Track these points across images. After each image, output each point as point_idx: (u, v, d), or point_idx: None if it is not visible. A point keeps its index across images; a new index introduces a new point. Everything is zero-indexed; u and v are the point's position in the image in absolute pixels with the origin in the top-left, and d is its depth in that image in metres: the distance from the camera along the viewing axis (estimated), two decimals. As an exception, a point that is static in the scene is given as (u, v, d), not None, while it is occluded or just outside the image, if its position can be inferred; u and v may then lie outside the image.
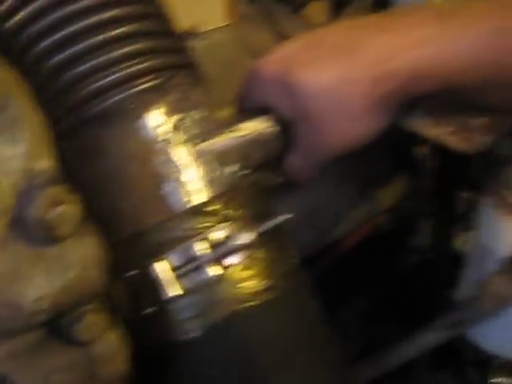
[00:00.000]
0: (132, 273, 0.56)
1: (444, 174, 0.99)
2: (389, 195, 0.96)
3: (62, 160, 0.52)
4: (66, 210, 0.43)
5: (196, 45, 0.89)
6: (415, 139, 1.00)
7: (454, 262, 1.06)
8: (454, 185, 1.01)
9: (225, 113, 0.70)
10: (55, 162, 0.47)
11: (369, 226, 1.12)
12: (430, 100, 0.66)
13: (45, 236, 0.43)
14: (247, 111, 0.66)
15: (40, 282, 0.45)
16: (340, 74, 0.62)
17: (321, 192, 0.88)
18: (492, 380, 1.26)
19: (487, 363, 1.25)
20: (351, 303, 1.19)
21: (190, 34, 0.89)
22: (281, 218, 0.59)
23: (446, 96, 0.63)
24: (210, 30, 0.97)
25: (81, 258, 0.46)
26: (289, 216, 0.59)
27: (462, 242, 1.14)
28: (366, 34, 0.63)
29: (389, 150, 0.95)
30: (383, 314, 1.21)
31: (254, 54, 0.97)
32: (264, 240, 0.59)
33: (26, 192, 0.45)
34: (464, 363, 1.25)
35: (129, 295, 0.57)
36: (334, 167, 0.88)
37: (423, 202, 1.10)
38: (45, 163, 0.46)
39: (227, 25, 1.01)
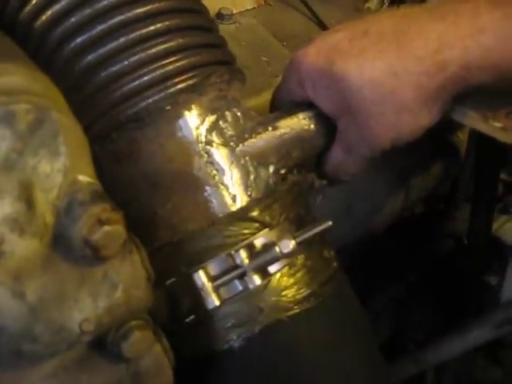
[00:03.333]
0: (172, 281, 0.55)
1: (483, 159, 0.95)
2: (427, 183, 0.94)
3: (95, 164, 0.50)
4: (112, 230, 0.42)
5: (224, 28, 0.86)
6: (453, 125, 0.98)
7: (492, 248, 1.04)
8: (494, 170, 0.98)
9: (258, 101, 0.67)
10: (96, 178, 0.45)
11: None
12: (480, 91, 0.63)
13: (90, 256, 0.42)
14: (286, 107, 0.63)
15: (86, 304, 0.43)
16: (387, 65, 0.59)
17: (358, 182, 0.85)
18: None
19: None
20: (384, 289, 1.17)
21: (219, 17, 0.87)
22: (321, 227, 0.57)
23: (499, 86, 0.60)
24: (239, 13, 0.94)
25: (126, 277, 0.44)
26: (329, 224, 0.57)
27: (500, 227, 1.11)
28: (414, 23, 0.60)
29: (427, 137, 0.92)
30: (417, 300, 1.19)
31: (283, 38, 0.94)
32: (304, 247, 0.57)
33: (67, 209, 0.43)
34: (496, 344, 1.23)
35: (168, 304, 0.56)
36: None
37: (462, 187, 1.08)
38: (86, 179, 0.44)
39: (256, 7, 0.98)
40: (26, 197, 0.42)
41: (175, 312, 0.55)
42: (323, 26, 0.96)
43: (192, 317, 0.55)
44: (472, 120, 0.63)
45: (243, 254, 0.54)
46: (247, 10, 0.97)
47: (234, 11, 0.92)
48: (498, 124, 0.61)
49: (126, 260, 0.44)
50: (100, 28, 0.54)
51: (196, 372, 0.57)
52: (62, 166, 0.43)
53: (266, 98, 0.71)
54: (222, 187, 0.56)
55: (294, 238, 0.55)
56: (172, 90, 0.56)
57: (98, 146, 0.56)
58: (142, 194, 0.56)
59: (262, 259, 0.54)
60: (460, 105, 0.63)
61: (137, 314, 0.46)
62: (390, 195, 0.89)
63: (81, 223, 0.41)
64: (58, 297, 0.42)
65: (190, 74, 0.56)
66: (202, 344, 0.56)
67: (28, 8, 0.54)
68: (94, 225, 0.41)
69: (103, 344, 0.47)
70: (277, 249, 0.54)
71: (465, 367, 1.28)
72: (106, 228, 0.41)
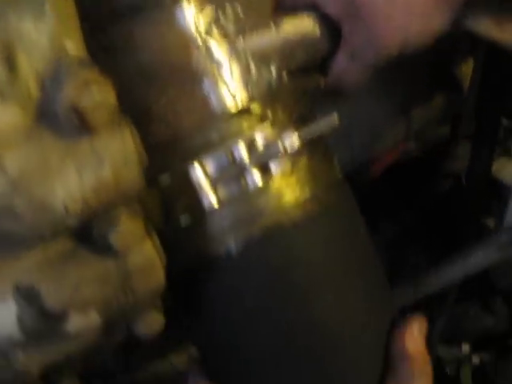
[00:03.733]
0: (166, 176, 0.51)
1: (486, 95, 0.92)
2: (429, 114, 0.90)
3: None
4: (101, 93, 0.37)
5: None
6: (457, 56, 0.94)
7: (491, 189, 1.02)
8: (496, 108, 0.95)
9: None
10: (83, 42, 0.41)
11: (400, 149, 1.07)
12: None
13: (76, 125, 0.38)
14: (290, 8, 0.59)
15: (71, 179, 0.39)
16: None
17: (357, 108, 0.82)
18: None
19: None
20: (380, 230, 1.15)
21: None
22: (327, 122, 0.53)
23: None
24: None
25: (116, 153, 0.40)
26: (334, 118, 0.53)
27: (500, 168, 1.09)
28: None
29: (428, 67, 0.89)
30: (413, 241, 1.17)
31: None
32: (308, 147, 0.54)
33: (52, 76, 0.39)
34: (491, 294, 1.22)
35: (162, 204, 0.52)
36: (372, 82, 0.82)
37: (462, 125, 1.05)
38: (73, 45, 0.40)
39: None
40: (9, 60, 0.38)
41: (170, 212, 0.52)
42: None
43: (187, 217, 0.51)
44: (485, 27, 0.59)
45: (243, 149, 0.50)
46: None
47: None
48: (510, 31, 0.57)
49: (116, 135, 0.40)
50: None
51: (191, 278, 0.53)
52: (47, 29, 0.39)
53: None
54: (221, 82, 0.52)
55: (298, 133, 0.51)
56: None
57: (90, 39, 0.52)
58: (136, 88, 0.52)
59: (263, 155, 0.50)
60: (472, 11, 0.59)
61: (126, 198, 0.42)
62: (390, 124, 0.85)
63: (67, 88, 0.37)
64: (41, 170, 0.39)
65: None
66: (198, 247, 0.52)
67: None
68: (81, 88, 0.37)
69: (90, 236, 0.43)
70: (280, 144, 0.50)
71: (456, 316, 1.27)
72: (95, 91, 0.37)
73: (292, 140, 0.51)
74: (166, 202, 0.52)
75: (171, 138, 0.52)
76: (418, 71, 0.88)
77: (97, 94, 0.37)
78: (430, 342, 1.08)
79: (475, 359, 1.31)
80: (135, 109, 0.52)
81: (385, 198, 1.16)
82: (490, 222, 1.05)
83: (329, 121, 0.53)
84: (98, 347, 0.51)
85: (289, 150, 0.50)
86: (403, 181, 1.16)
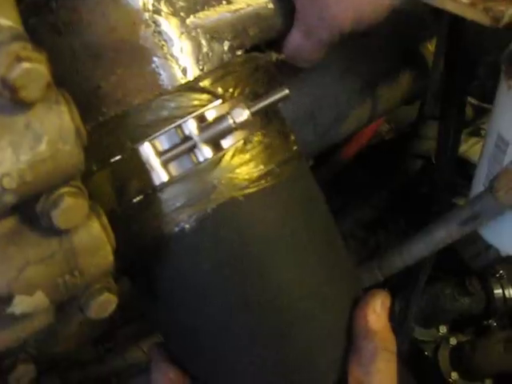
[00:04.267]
0: (117, 158, 0.50)
1: (451, 75, 0.92)
2: (394, 94, 0.90)
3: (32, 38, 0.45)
4: (32, 67, 0.37)
5: None
6: (422, 34, 0.94)
7: (461, 169, 1.02)
8: (461, 87, 0.94)
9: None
10: (18, 18, 0.40)
11: (372, 132, 1.07)
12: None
13: (9, 99, 0.37)
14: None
15: (6, 156, 0.38)
16: None
17: (322, 87, 0.81)
18: (495, 291, 1.24)
19: (488, 275, 1.23)
20: (353, 213, 1.14)
21: None
22: (277, 95, 0.52)
23: None
24: None
25: (52, 128, 0.39)
26: (285, 92, 0.53)
27: (469, 149, 1.09)
28: None
29: (395, 45, 0.88)
30: (386, 223, 1.17)
31: None
32: (261, 122, 0.53)
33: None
34: (465, 274, 1.22)
35: (114, 184, 0.51)
36: (335, 61, 0.82)
37: (430, 105, 1.04)
38: (6, 22, 0.39)
39: None
40: None
41: (122, 192, 0.51)
42: None
43: (140, 196, 0.50)
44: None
45: (192, 124, 0.50)
46: None
47: None
48: (466, 0, 0.57)
49: (52, 110, 0.39)
50: None
51: (146, 258, 0.53)
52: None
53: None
54: (171, 59, 0.51)
55: (248, 107, 0.50)
56: None
57: (35, 18, 0.51)
58: (84, 67, 0.51)
59: (213, 130, 0.50)
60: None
61: (66, 175, 0.41)
62: (355, 103, 0.85)
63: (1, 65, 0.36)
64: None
65: None
66: (152, 226, 0.51)
67: None
68: (12, 62, 0.36)
69: (34, 216, 0.42)
70: (229, 119, 0.50)
71: (432, 297, 1.27)
72: (26, 65, 0.36)
73: (242, 112, 0.50)
74: (118, 182, 0.51)
75: (121, 116, 0.51)
76: (383, 50, 0.87)
77: (28, 69, 0.36)
78: (406, 323, 1.08)
79: (452, 340, 1.32)
80: (84, 88, 0.51)
81: (357, 179, 1.16)
82: (461, 201, 1.05)
83: (279, 94, 0.52)
84: (51, 330, 0.50)
85: (239, 123, 0.50)
86: (375, 162, 1.16)
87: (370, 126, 1.07)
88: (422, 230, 0.71)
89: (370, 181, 1.13)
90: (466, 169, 1.07)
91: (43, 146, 0.39)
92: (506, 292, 1.28)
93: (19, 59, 0.36)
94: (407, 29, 0.87)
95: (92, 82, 0.51)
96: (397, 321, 1.12)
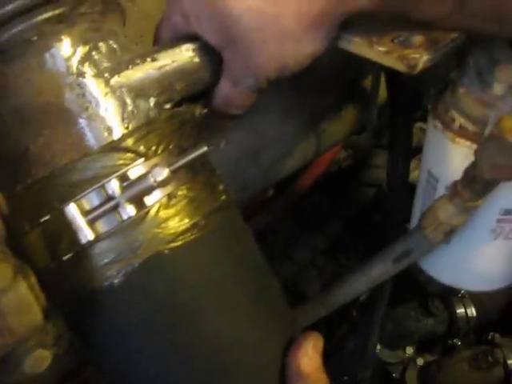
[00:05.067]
0: (46, 218, 0.52)
1: (397, 105, 0.94)
2: (339, 128, 0.92)
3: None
4: None
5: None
6: (364, 70, 0.96)
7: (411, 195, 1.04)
8: (409, 116, 0.97)
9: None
10: None
11: (328, 161, 1.09)
12: (365, 19, 0.61)
13: None
14: (171, 40, 0.61)
15: None
16: None
17: (265, 127, 0.84)
18: (457, 310, 1.27)
19: (450, 295, 1.25)
20: (310, 241, 1.17)
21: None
22: (195, 153, 0.54)
23: (382, 12, 0.59)
24: None
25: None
26: (204, 149, 0.55)
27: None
28: None
29: (336, 80, 0.91)
30: (343, 250, 1.19)
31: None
32: (186, 176, 0.55)
33: None
34: (427, 295, 1.24)
35: (46, 242, 0.53)
36: (275, 100, 0.84)
37: (375, 135, 1.07)
38: None
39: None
40: None
41: (53, 251, 0.53)
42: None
43: (69, 254, 0.53)
44: (357, 46, 0.61)
45: (115, 184, 0.52)
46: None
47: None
48: (382, 48, 0.60)
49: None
50: None
51: (79, 312, 0.55)
52: None
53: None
54: (96, 119, 0.54)
55: (169, 166, 0.53)
56: (37, 19, 0.53)
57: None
58: (12, 130, 0.54)
59: (135, 189, 0.52)
60: (345, 32, 0.62)
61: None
62: (299, 140, 0.87)
63: None
64: None
65: (56, 4, 0.53)
66: (82, 282, 0.53)
67: None
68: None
69: None
70: (150, 178, 0.52)
71: (397, 318, 1.29)
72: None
73: (162, 171, 0.52)
74: (49, 240, 0.53)
75: (49, 177, 0.53)
76: (326, 85, 0.90)
77: None
78: (367, 348, 1.10)
79: (419, 361, 1.34)
80: (14, 151, 0.53)
81: (314, 207, 1.18)
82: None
83: (198, 151, 0.55)
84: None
85: (159, 181, 0.52)
86: (332, 190, 1.18)
87: (326, 155, 1.10)
88: (359, 268, 0.73)
89: (326, 208, 1.15)
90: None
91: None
92: (469, 311, 1.30)
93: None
94: (349, 64, 0.90)
95: (21, 144, 0.53)
96: (361, 345, 1.15)
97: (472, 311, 1.29)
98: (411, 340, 1.33)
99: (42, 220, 0.53)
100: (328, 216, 1.16)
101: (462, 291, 1.28)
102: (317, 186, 1.14)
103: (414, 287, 1.27)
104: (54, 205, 0.52)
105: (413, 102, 0.95)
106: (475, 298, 1.30)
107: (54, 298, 0.51)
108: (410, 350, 1.35)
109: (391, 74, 0.90)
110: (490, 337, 1.29)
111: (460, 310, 1.29)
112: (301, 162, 0.90)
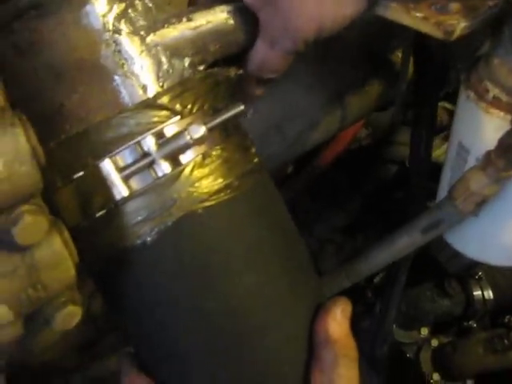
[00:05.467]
0: (79, 174, 0.52)
1: (423, 81, 0.94)
2: (364, 102, 0.92)
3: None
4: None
5: None
6: (392, 43, 0.95)
7: (435, 173, 1.03)
8: (434, 93, 0.96)
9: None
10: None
11: (350, 137, 1.09)
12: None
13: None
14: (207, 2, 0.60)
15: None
16: None
17: (290, 99, 0.83)
18: (474, 292, 1.26)
19: (468, 276, 1.25)
20: (329, 218, 1.16)
21: None
22: (232, 111, 0.54)
23: None
24: None
25: (8, 150, 0.41)
26: (241, 108, 0.55)
27: (442, 152, 1.10)
28: None
29: (363, 54, 0.90)
30: (362, 228, 1.19)
31: None
32: (220, 137, 0.55)
33: None
34: (444, 276, 1.24)
35: (78, 199, 0.53)
36: (303, 71, 0.84)
37: (402, 111, 1.06)
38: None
39: None
40: None
41: (86, 208, 0.52)
42: None
43: (103, 211, 0.52)
44: (394, 12, 0.61)
45: (151, 141, 0.52)
46: None
47: None
48: (419, 14, 0.59)
49: (7, 132, 0.41)
50: None
51: (110, 270, 0.54)
52: None
53: None
54: (131, 76, 0.53)
55: (205, 123, 0.52)
56: None
57: (-1, 36, 0.53)
58: (46, 86, 0.53)
59: (171, 146, 0.52)
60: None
61: (26, 195, 0.43)
62: (324, 113, 0.86)
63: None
64: None
65: None
66: (114, 240, 0.53)
67: None
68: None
69: None
70: (187, 135, 0.51)
71: (413, 300, 1.29)
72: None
73: (199, 129, 0.51)
74: (82, 197, 0.53)
75: (83, 133, 0.52)
76: (352, 59, 0.89)
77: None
78: (384, 325, 1.10)
79: (434, 342, 1.34)
80: (48, 107, 0.53)
81: (334, 185, 1.17)
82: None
83: (234, 110, 0.54)
84: (19, 341, 0.51)
85: (196, 139, 0.51)
86: (352, 167, 1.18)
87: (348, 132, 1.10)
88: (385, 238, 0.72)
89: (346, 186, 1.15)
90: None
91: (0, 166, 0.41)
92: (486, 293, 1.30)
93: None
94: (375, 38, 0.89)
95: (55, 100, 0.53)
96: (376, 323, 1.14)
97: (489, 293, 1.28)
98: (426, 321, 1.33)
99: (76, 176, 0.52)
100: (348, 193, 1.16)
101: (480, 273, 1.28)
102: (337, 164, 1.14)
103: (431, 268, 1.26)
104: (88, 161, 0.52)
105: (439, 78, 0.94)
106: (492, 280, 1.29)
107: (84, 256, 0.51)
108: (424, 331, 1.34)
109: (419, 49, 0.89)
110: (506, 320, 1.29)
111: (477, 292, 1.29)
112: (324, 135, 0.90)
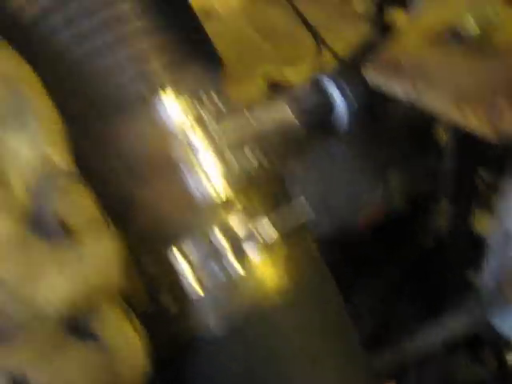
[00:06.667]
0: (150, 264, 0.55)
1: (464, 154, 0.96)
2: (407, 176, 0.94)
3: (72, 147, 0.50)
4: (87, 211, 0.41)
5: (209, 23, 0.86)
6: (434, 119, 0.98)
7: (473, 245, 1.04)
8: (475, 165, 0.98)
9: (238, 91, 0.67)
10: (67, 151, 0.45)
11: (385, 208, 1.10)
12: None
13: (59, 229, 0.42)
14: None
15: (55, 280, 0.43)
16: None
17: (336, 175, 0.85)
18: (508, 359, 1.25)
19: (502, 343, 1.24)
20: (366, 286, 1.17)
21: (204, 13, 0.87)
22: (303, 217, 0.57)
23: None
24: (222, 8, 0.95)
25: (97, 255, 0.44)
26: (310, 214, 0.57)
27: (480, 224, 1.11)
28: None
29: (407, 131, 0.93)
30: (399, 298, 1.19)
31: (265, 33, 0.95)
32: (285, 236, 0.57)
33: (40, 186, 0.43)
34: (479, 344, 1.23)
35: (147, 287, 0.55)
36: (350, 149, 0.86)
37: (442, 182, 1.08)
38: (57, 151, 0.44)
39: (240, 3, 0.99)
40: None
41: (154, 295, 0.55)
42: (306, 24, 0.96)
43: (172, 302, 0.55)
44: (442, 106, 0.62)
45: (221, 237, 0.54)
46: (231, 5, 0.98)
47: (218, 7, 0.93)
48: (470, 112, 0.60)
49: (99, 238, 0.44)
50: (88, 23, 0.54)
51: (176, 359, 0.56)
52: (30, 139, 0.43)
53: (246, 87, 0.71)
54: (198, 170, 0.56)
55: (274, 225, 0.55)
56: (155, 80, 0.56)
57: (74, 128, 0.56)
58: (121, 177, 0.56)
59: (240, 243, 0.54)
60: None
61: (109, 294, 0.46)
62: (368, 188, 0.89)
63: (54, 202, 0.41)
64: (28, 272, 0.42)
65: (173, 67, 0.57)
66: (182, 329, 0.55)
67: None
68: (70, 206, 0.41)
69: (75, 324, 0.47)
70: (256, 233, 0.54)
71: (446, 366, 1.28)
72: (82, 210, 0.41)
73: (267, 229, 0.54)
74: (150, 285, 0.55)
75: (154, 224, 0.55)
76: (397, 135, 0.92)
77: (81, 208, 0.41)
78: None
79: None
80: (120, 198, 0.56)
81: (371, 252, 1.18)
82: (474, 277, 1.07)
83: (305, 215, 0.57)
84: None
85: (266, 240, 0.54)
86: (388, 237, 1.19)
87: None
88: (433, 322, 0.74)
89: (383, 254, 1.16)
90: (478, 243, 1.10)
91: (88, 272, 0.43)
92: (521, 359, 1.28)
93: (74, 201, 0.41)
94: (419, 116, 0.92)
95: (128, 192, 0.56)
96: None
97: (526, 360, 1.27)
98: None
99: (146, 266, 0.55)
100: (385, 262, 1.17)
101: (512, 339, 1.27)
102: (373, 231, 1.15)
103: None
104: (160, 252, 0.54)
105: (479, 151, 0.96)
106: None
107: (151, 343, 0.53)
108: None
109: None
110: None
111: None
112: (368, 211, 0.92)
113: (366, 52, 0.89)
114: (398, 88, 0.65)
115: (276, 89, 0.84)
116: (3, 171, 0.42)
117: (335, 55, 0.89)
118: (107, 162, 0.56)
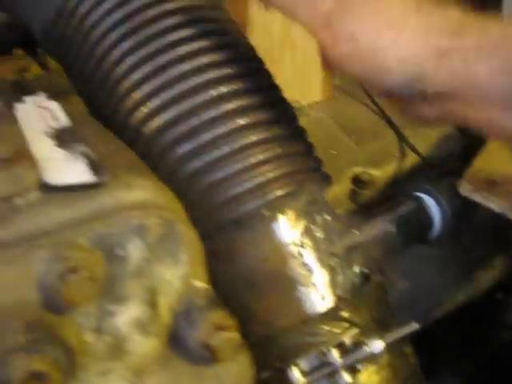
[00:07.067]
0: (266, 374, 0.58)
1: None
2: (489, 276, 0.96)
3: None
4: (231, 336, 0.46)
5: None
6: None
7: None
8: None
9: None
10: (206, 273, 0.49)
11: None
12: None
13: (207, 358, 0.46)
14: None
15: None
16: None
17: (423, 276, 0.89)
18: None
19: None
20: (440, 379, 1.18)
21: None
22: (408, 329, 0.60)
23: None
24: (308, 106, 0.99)
25: (236, 378, 0.48)
26: (415, 327, 0.61)
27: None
28: None
29: (489, 232, 0.96)
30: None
31: (350, 131, 0.99)
32: (389, 345, 0.60)
33: (185, 314, 0.47)
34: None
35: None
36: (435, 252, 0.90)
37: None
38: (201, 285, 0.48)
39: (324, 100, 1.03)
40: (151, 300, 0.46)
41: None
42: (388, 120, 1.00)
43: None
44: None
45: (335, 352, 0.57)
46: (315, 102, 1.02)
47: (305, 102, 0.98)
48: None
49: (237, 362, 0.48)
50: (206, 137, 0.59)
51: None
52: (182, 273, 0.48)
53: (334, 189, 0.75)
54: (312, 287, 0.60)
55: (383, 338, 0.58)
56: (270, 196, 0.60)
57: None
58: (239, 291, 0.60)
59: (352, 358, 0.57)
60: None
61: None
62: (452, 290, 0.92)
63: (200, 328, 0.46)
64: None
65: (287, 181, 0.61)
66: None
67: (139, 113, 0.59)
68: (213, 331, 0.45)
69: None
70: (366, 349, 0.57)
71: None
72: (226, 334, 0.45)
73: (378, 344, 0.57)
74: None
75: (270, 336, 0.59)
76: (482, 237, 0.95)
77: (228, 338, 0.45)
78: None
79: None
80: (238, 309, 0.60)
81: (445, 347, 1.19)
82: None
83: (411, 327, 0.60)
84: None
85: (376, 353, 0.57)
86: (463, 330, 1.20)
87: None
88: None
89: (459, 346, 1.17)
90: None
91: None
92: None
93: (219, 328, 0.45)
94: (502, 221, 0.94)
95: (245, 305, 0.60)
96: None
97: None
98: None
99: (262, 375, 0.58)
100: (460, 354, 1.18)
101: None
102: (448, 321, 1.16)
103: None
104: (275, 364, 0.58)
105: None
106: None
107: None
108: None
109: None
110: None
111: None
112: (451, 308, 0.94)
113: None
114: (494, 205, 0.68)
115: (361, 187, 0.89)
116: (156, 299, 0.47)
117: (419, 154, 0.94)
118: (227, 273, 0.61)
